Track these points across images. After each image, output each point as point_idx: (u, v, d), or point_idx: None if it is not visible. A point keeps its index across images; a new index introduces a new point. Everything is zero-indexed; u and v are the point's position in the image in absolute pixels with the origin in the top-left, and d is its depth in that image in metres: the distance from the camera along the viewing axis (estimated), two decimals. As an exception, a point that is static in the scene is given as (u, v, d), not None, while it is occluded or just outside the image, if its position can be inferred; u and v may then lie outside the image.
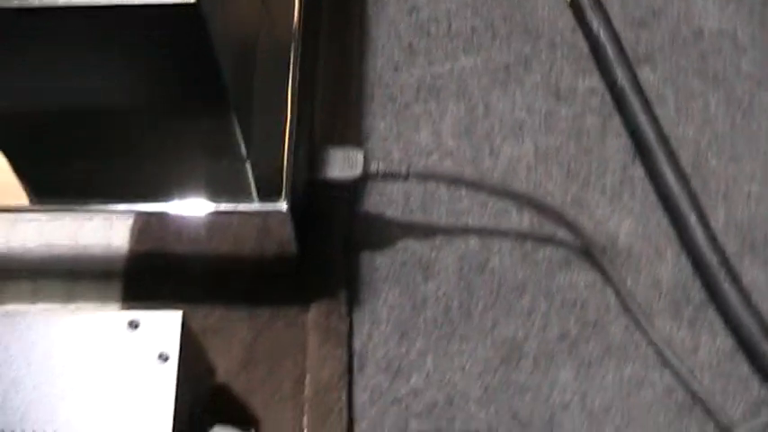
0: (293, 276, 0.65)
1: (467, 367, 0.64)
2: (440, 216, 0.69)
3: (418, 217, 0.68)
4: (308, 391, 0.62)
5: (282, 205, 0.58)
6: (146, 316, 0.55)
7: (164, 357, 0.53)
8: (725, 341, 0.65)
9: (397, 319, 0.65)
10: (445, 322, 0.65)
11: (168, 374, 0.53)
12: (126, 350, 0.54)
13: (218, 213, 0.59)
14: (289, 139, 0.60)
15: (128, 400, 0.53)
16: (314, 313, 0.64)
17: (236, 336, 0.64)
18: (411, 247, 0.67)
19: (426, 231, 0.68)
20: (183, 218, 0.59)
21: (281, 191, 0.58)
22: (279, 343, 0.64)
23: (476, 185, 0.65)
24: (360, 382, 0.64)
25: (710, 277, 0.66)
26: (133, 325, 0.54)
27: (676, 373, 0.64)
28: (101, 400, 0.53)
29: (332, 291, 0.65)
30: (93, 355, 0.54)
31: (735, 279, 0.66)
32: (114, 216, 0.62)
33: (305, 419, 0.62)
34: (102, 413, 0.52)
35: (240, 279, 0.65)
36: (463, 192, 0.69)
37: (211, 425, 0.56)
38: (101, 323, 0.55)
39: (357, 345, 0.65)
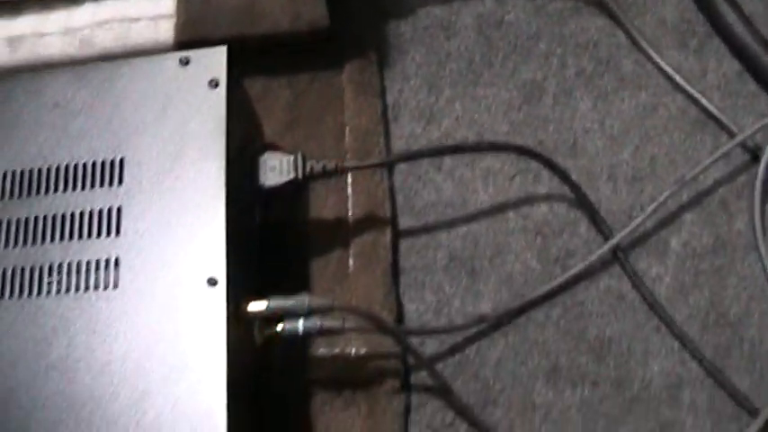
0: (328, 45, 0.70)
1: (492, 108, 0.69)
2: (456, -18, 0.74)
3: (436, -16, 0.74)
4: (348, 139, 0.68)
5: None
6: (194, 53, 0.60)
7: (214, 84, 0.59)
8: (731, 65, 0.70)
9: (424, 73, 0.71)
10: (469, 72, 0.71)
11: (219, 98, 0.59)
12: (180, 83, 0.60)
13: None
14: None
15: (184, 126, 0.58)
16: (348, 71, 0.70)
17: (279, 101, 0.70)
18: (432, 13, 0.73)
19: (445, -3, 0.73)
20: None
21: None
22: (318, 102, 0.69)
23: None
24: (395, 132, 0.69)
25: (713, 8, 0.70)
26: (184, 61, 0.60)
27: (688, 95, 0.69)
28: (163, 128, 0.58)
29: (363, 52, 0.70)
30: (152, 93, 0.60)
31: (737, 7, 0.70)
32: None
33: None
34: (163, 141, 0.58)
35: (279, 51, 0.70)
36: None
37: (262, 153, 0.61)
38: (156, 64, 0.61)
39: (390, 99, 0.70)
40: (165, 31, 0.70)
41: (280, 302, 0.57)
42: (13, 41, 0.70)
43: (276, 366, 0.62)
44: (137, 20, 0.71)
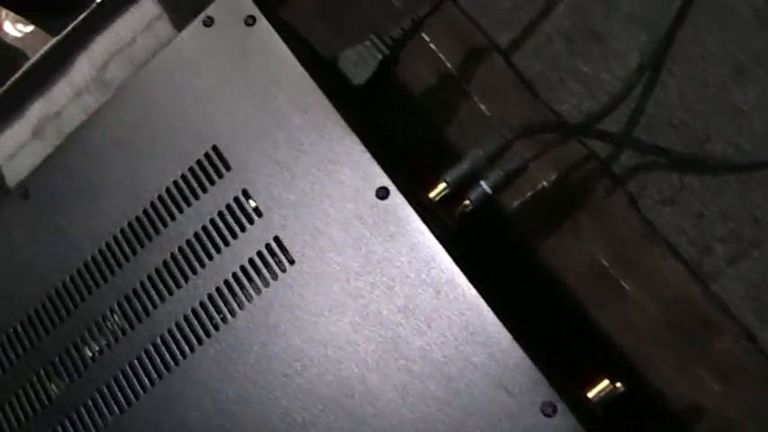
0: None
1: None
2: None
3: None
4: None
5: None
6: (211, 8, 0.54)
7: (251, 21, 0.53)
8: None
9: None
10: None
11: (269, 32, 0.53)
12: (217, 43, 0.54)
13: None
14: None
15: (254, 80, 0.52)
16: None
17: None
18: None
19: None
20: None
21: None
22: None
23: None
24: None
25: None
26: (207, 23, 0.54)
27: None
28: (233, 94, 0.53)
29: None
30: (207, 64, 0.54)
31: None
32: None
33: None
34: (241, 105, 0.52)
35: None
36: None
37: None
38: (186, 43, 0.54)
39: None
40: (164, 29, 0.65)
41: (456, 171, 0.51)
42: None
43: (484, 244, 0.56)
44: (132, 41, 0.66)
